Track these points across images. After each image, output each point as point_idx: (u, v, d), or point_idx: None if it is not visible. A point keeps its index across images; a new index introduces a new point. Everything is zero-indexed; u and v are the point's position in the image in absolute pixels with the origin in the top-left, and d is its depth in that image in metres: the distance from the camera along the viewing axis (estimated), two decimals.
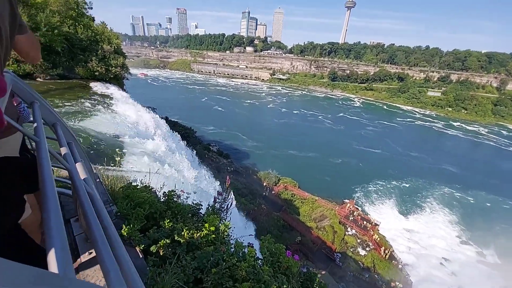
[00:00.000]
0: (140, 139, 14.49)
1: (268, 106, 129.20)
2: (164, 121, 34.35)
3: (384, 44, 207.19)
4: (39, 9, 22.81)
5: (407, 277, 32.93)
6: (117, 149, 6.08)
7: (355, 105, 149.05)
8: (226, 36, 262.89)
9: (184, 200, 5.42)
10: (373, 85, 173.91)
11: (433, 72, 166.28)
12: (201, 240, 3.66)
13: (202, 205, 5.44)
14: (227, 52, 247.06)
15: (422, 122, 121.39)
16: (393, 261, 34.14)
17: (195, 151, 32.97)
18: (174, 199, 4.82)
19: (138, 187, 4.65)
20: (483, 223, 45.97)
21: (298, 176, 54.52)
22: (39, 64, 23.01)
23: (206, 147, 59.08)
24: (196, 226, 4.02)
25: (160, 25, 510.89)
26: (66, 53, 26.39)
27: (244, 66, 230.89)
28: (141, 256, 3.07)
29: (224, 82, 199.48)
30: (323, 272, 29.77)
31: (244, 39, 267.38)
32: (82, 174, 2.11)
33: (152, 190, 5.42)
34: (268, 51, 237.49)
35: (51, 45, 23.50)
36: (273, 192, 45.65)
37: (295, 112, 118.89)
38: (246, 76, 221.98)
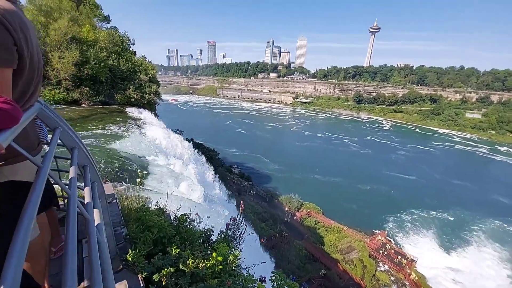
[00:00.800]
0: (165, 159, 15.16)
1: (291, 129, 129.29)
2: (190, 143, 35.94)
3: (413, 66, 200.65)
4: (90, 46, 26.62)
5: None
6: (138, 171, 6.32)
7: (384, 128, 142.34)
8: (251, 64, 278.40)
9: (196, 224, 5.32)
10: (403, 107, 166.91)
11: (470, 93, 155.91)
12: (206, 271, 3.45)
13: (213, 231, 5.28)
14: (251, 78, 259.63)
15: (462, 147, 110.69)
16: None
17: (217, 174, 33.36)
18: (186, 224, 4.75)
19: (152, 209, 4.69)
20: None
21: (322, 202, 51.77)
22: (85, 91, 26.26)
23: (228, 168, 59.74)
24: (203, 254, 3.85)
25: (191, 56, 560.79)
26: (108, 82, 29.88)
27: (268, 91, 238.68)
28: (142, 285, 2.96)
29: (248, 106, 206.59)
30: None
31: (268, 66, 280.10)
32: (88, 198, 2.16)
33: (166, 212, 5.44)
34: (291, 76, 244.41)
35: (96, 76, 26.89)
36: (295, 218, 43.52)
37: (319, 135, 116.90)
38: (269, 100, 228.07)
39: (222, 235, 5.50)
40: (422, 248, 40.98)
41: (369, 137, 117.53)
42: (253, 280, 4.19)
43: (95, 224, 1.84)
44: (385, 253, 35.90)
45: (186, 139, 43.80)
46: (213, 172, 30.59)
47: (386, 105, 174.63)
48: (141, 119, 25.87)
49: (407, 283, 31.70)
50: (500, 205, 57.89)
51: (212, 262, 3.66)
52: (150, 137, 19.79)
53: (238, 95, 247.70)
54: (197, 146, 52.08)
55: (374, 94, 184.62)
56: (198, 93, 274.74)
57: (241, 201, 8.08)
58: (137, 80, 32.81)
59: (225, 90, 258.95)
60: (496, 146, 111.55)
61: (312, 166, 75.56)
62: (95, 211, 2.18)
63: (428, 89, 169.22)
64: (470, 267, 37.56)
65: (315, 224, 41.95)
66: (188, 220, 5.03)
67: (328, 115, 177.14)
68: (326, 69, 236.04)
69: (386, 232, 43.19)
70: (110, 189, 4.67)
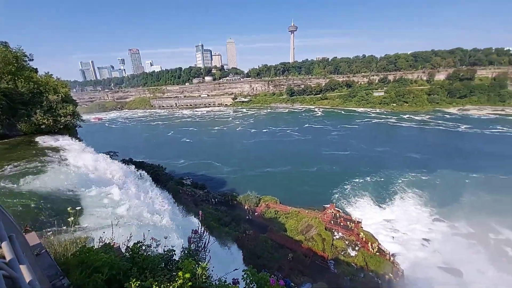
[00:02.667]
0: (98, 188, 13.19)
1: (237, 129, 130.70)
2: (126, 164, 32.13)
3: (329, 58, 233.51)
4: None
5: (398, 266, 33.83)
6: (69, 208, 5.39)
7: (317, 114, 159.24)
8: (183, 70, 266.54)
9: (154, 249, 4.94)
10: (327, 95, 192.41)
11: (373, 76, 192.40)
12: None
13: (175, 250, 5.01)
14: (186, 84, 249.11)
15: (378, 120, 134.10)
16: (382, 254, 34.95)
17: (167, 191, 31.02)
18: (141, 252, 4.36)
19: (96, 247, 4.12)
20: (450, 199, 50.71)
21: (279, 191, 54.77)
22: None
23: (179, 181, 56.35)
24: (168, 277, 3.65)
25: (112, 67, 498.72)
26: (5, 110, 23.83)
27: (206, 95, 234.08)
28: None
29: (189, 113, 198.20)
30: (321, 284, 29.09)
31: (202, 70, 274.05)
32: (9, 255, 1.80)
33: (115, 246, 4.86)
34: (227, 78, 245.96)
35: None
36: (256, 213, 44.59)
37: (264, 130, 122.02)
38: (209, 104, 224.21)
39: (186, 252, 5.28)
40: (363, 210, 48.31)
41: (307, 125, 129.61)
42: (226, 285, 4.22)
43: (27, 282, 1.58)
44: (337, 222, 40.70)
45: (123, 161, 39.17)
46: (161, 189, 28.35)
47: (314, 94, 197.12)
48: (59, 148, 21.74)
49: (358, 243, 36.80)
50: (412, 160, 73.00)
51: (180, 282, 3.52)
52: (75, 166, 16.89)
53: (176, 104, 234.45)
54: (138, 166, 47.21)
55: (303, 86, 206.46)
56: (129, 107, 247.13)
57: (200, 212, 7.87)
58: (45, 102, 27.22)
59: (160, 100, 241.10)
60: (401, 115, 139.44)
61: (263, 160, 78.58)
62: (22, 267, 1.85)
63: (343, 77, 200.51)
64: (401, 215, 46.44)
65: (275, 214, 44.00)
66: (144, 247, 4.64)
67: (268, 110, 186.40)
68: (258, 68, 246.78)
69: (334, 204, 48.85)
70: (35, 238, 3.87)
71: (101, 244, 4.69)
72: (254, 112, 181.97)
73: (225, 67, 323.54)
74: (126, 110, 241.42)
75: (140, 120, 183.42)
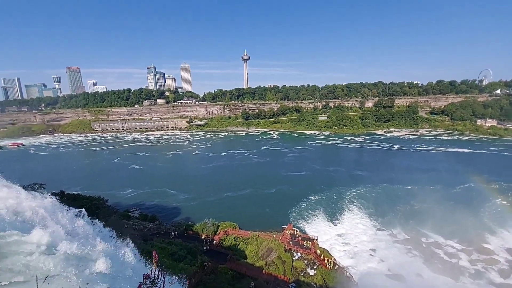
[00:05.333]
0: (13, 232, 10.66)
1: (194, 153, 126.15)
2: (56, 198, 27.21)
3: (279, 86, 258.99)
4: None
5: (352, 278, 35.68)
6: None
7: (273, 137, 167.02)
8: (132, 91, 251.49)
9: None
10: (279, 118, 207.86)
11: (317, 102, 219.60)
12: None
13: None
14: (136, 106, 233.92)
15: (326, 142, 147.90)
16: (337, 269, 36.55)
17: (107, 227, 26.96)
18: None
19: None
20: (388, 209, 57.61)
21: (239, 216, 53.50)
22: None
23: (124, 215, 50.09)
24: None
25: (44, 86, 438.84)
26: None
27: (158, 118, 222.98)
28: None
29: (141, 137, 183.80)
30: None
31: (154, 92, 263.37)
32: None
33: None
34: (181, 101, 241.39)
35: None
36: (214, 242, 42.08)
37: (223, 154, 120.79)
38: (162, 127, 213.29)
39: None
40: (318, 227, 50.70)
41: (264, 147, 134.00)
42: None
43: None
44: (296, 242, 41.43)
45: (52, 194, 33.18)
46: (99, 225, 24.49)
47: (268, 118, 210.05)
48: None
49: (316, 261, 37.84)
50: (358, 177, 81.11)
51: None
52: None
53: (122, 127, 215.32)
54: (72, 199, 40.56)
55: (257, 110, 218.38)
56: (63, 131, 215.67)
57: (154, 252, 7.15)
58: None
59: (104, 123, 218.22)
60: (345, 137, 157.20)
61: (222, 185, 76.62)
62: None
63: (292, 103, 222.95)
64: (350, 229, 50.14)
65: (234, 240, 42.34)
66: None
67: (225, 133, 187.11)
68: (213, 92, 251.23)
69: (292, 224, 50.01)
70: None
71: None
72: (211, 135, 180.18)
73: (179, 90, 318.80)
74: (59, 134, 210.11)
75: (78, 145, 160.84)
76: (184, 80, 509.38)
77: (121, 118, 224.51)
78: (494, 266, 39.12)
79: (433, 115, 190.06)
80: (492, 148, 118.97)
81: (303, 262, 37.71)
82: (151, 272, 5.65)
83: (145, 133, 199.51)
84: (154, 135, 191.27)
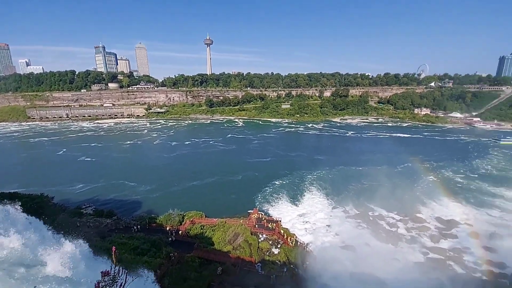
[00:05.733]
0: None
1: (155, 142, 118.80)
2: None
3: (243, 73, 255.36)
4: None
5: (312, 253, 39.39)
6: None
7: (239, 125, 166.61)
8: (78, 73, 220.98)
9: None
10: (244, 106, 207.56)
11: (281, 91, 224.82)
12: None
13: None
14: (83, 91, 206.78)
15: (289, 129, 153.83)
16: (299, 245, 39.84)
17: (54, 228, 24.35)
18: None
19: None
20: (343, 188, 64.00)
21: (206, 204, 53.56)
22: None
23: (75, 212, 45.66)
24: None
25: None
26: None
27: (111, 104, 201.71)
28: None
29: (91, 126, 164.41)
30: None
31: (104, 75, 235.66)
32: None
33: None
34: (138, 86, 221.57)
35: None
36: (180, 232, 41.48)
37: (187, 142, 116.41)
38: (116, 115, 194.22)
39: None
40: (282, 209, 53.93)
41: (229, 135, 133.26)
42: None
43: None
44: (261, 224, 43.48)
45: None
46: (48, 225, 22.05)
47: (233, 106, 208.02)
48: None
49: (280, 240, 40.51)
50: (318, 161, 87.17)
51: None
52: None
53: (67, 114, 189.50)
54: (8, 198, 35.08)
55: (222, 97, 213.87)
56: None
57: (113, 248, 6.80)
58: None
59: (43, 110, 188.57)
60: (306, 124, 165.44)
61: (187, 174, 74.61)
62: None
63: (257, 90, 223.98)
64: (310, 208, 54.53)
65: (201, 229, 42.39)
66: None
67: (189, 121, 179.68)
68: (174, 77, 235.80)
69: (257, 208, 52.06)
70: None
71: None
72: (173, 123, 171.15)
73: (135, 73, 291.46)
74: None
75: (12, 136, 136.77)
76: (140, 63, 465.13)
77: (65, 104, 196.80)
78: (426, 233, 46.95)
79: (380, 104, 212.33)
80: (425, 133, 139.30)
81: (268, 242, 39.98)
82: (111, 269, 5.45)
83: (96, 122, 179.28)
84: (107, 123, 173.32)
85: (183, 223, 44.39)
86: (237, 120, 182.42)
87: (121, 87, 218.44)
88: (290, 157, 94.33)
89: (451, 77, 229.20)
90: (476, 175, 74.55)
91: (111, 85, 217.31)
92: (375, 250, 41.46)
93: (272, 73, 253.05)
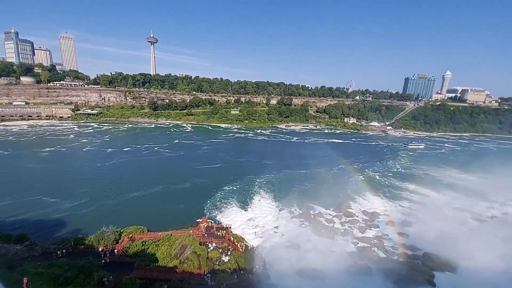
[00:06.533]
0: None
1: (85, 149, 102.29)
2: None
3: (192, 76, 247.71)
4: None
5: (262, 256, 40.68)
6: None
7: (187, 130, 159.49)
8: None
9: None
10: (192, 111, 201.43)
11: (230, 96, 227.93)
12: None
13: None
14: None
15: (239, 134, 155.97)
16: (249, 250, 40.62)
17: None
18: None
19: None
20: (288, 190, 68.42)
21: (149, 218, 49.19)
22: None
23: None
24: None
25: None
26: None
27: (23, 103, 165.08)
28: None
29: None
30: None
31: (15, 67, 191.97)
32: None
33: None
34: (62, 82, 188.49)
35: None
36: (116, 252, 36.79)
37: (126, 149, 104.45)
38: (31, 116, 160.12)
39: None
40: (231, 215, 54.08)
41: (177, 141, 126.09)
42: None
43: None
44: (210, 233, 42.54)
45: None
46: None
47: (180, 110, 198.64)
48: None
49: (230, 247, 40.40)
50: (267, 166, 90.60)
51: None
52: None
53: None
54: None
55: (167, 100, 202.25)
56: None
57: (25, 280, 5.79)
58: None
59: None
60: (255, 130, 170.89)
61: (127, 184, 66.99)
62: None
63: (206, 95, 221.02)
64: (259, 212, 56.30)
65: (143, 245, 38.62)
66: None
67: (128, 125, 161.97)
68: (110, 75, 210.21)
69: (206, 216, 50.81)
70: None
71: None
72: (109, 127, 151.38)
73: (58, 67, 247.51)
74: None
75: None
76: (66, 56, 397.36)
77: None
78: (356, 225, 54.26)
79: (318, 113, 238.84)
80: (353, 139, 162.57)
81: (218, 251, 39.39)
82: None
83: (3, 123, 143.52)
84: (19, 125, 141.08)
85: (120, 241, 39.56)
86: (185, 125, 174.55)
87: (39, 82, 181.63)
88: (239, 162, 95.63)
89: (370, 92, 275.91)
90: (390, 174, 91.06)
91: (24, 79, 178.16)
92: (315, 245, 45.69)
93: (221, 78, 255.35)
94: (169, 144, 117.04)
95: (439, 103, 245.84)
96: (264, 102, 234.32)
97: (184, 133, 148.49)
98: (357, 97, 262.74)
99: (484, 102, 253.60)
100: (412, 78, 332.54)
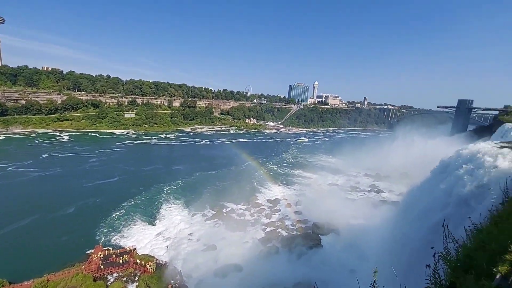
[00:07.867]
0: None
1: None
2: None
3: (63, 71, 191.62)
4: None
5: (177, 269, 38.36)
6: None
7: (63, 140, 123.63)
8: None
9: None
10: (67, 115, 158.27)
11: (122, 98, 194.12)
12: None
13: None
14: None
15: (139, 141, 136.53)
16: (161, 268, 37.34)
17: None
18: None
19: None
20: (199, 193, 67.55)
21: (13, 263, 36.37)
22: None
23: None
24: None
25: None
26: None
27: None
28: None
29: None
30: None
31: None
32: None
33: None
34: None
35: None
36: None
37: None
38: None
39: None
40: (136, 234, 47.52)
41: (47, 155, 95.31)
42: None
43: None
44: (109, 262, 35.78)
45: None
46: None
47: (46, 114, 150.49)
48: None
49: (137, 271, 35.59)
50: (177, 171, 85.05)
51: None
52: None
53: None
54: None
55: (24, 101, 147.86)
56: None
57: None
58: None
59: None
60: (159, 135, 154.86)
61: None
62: None
63: (87, 95, 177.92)
64: (169, 223, 52.41)
65: None
66: None
67: None
68: None
69: (101, 244, 42.19)
70: None
71: None
72: None
73: None
74: None
75: None
76: None
77: None
78: (263, 213, 60.51)
79: (223, 115, 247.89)
80: (255, 138, 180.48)
81: (122, 280, 33.96)
82: None
83: None
84: None
85: None
86: (58, 134, 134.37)
87: None
88: (143, 172, 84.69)
89: (265, 96, 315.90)
90: (285, 164, 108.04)
91: None
92: (230, 241, 47.87)
93: (108, 76, 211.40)
94: (34, 161, 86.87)
95: (312, 106, 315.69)
96: (166, 104, 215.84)
97: (59, 144, 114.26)
98: (255, 100, 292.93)
99: (339, 105, 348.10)
100: (294, 86, 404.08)
